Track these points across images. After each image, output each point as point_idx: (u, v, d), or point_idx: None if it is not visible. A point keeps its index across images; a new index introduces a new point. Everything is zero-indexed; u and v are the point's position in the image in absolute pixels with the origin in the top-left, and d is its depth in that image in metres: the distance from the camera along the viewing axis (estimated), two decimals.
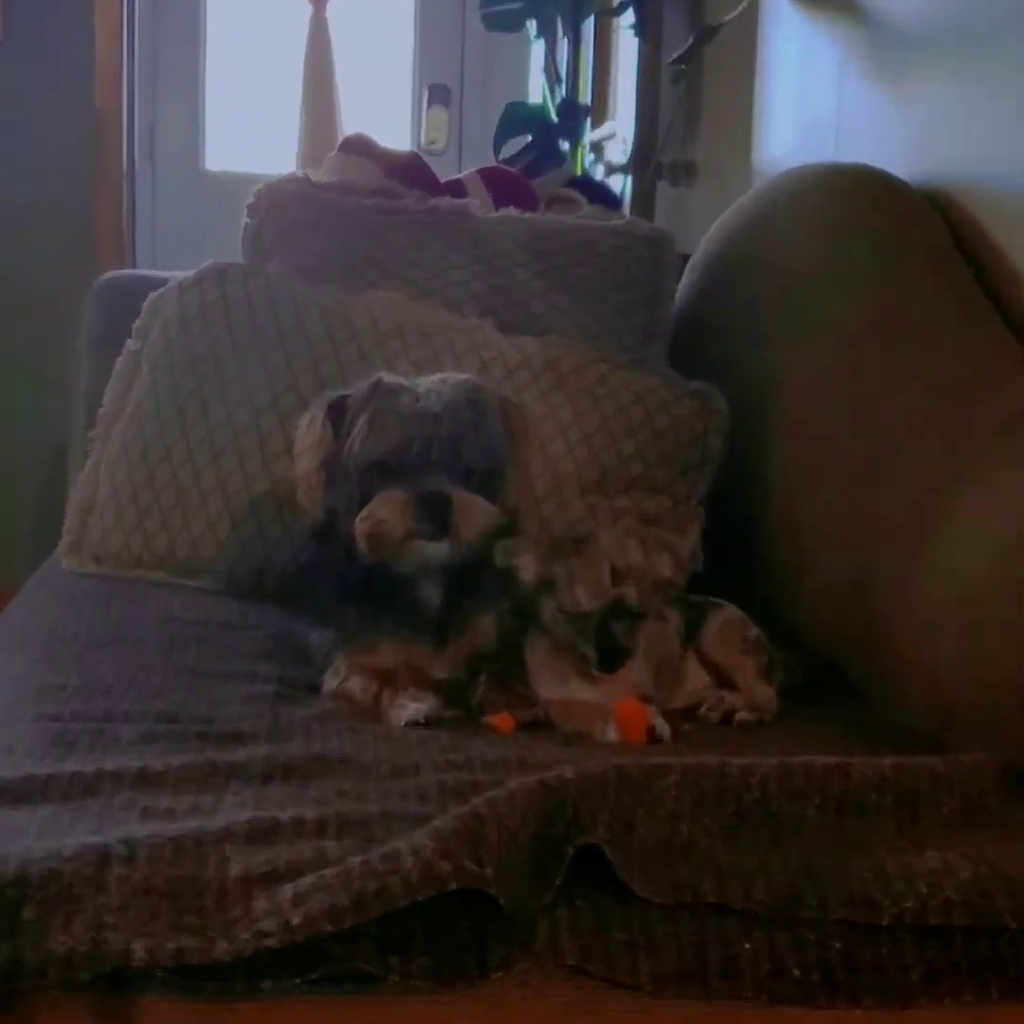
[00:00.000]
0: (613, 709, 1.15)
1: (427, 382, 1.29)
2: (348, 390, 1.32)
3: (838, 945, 0.80)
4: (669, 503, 1.68)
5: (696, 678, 1.29)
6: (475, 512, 1.22)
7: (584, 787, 0.86)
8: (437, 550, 1.23)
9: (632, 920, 0.81)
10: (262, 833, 0.84)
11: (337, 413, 1.29)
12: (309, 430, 1.31)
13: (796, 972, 0.78)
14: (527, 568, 1.23)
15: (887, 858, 0.84)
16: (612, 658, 1.18)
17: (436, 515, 1.21)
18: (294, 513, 1.46)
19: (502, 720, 1.18)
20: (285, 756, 1.02)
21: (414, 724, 1.16)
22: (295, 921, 0.74)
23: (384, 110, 4.24)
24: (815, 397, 1.60)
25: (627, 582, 1.19)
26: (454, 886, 0.77)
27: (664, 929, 0.80)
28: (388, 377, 1.30)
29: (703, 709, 1.26)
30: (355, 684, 1.23)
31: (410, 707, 1.18)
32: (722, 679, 1.28)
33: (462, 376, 1.32)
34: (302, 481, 1.31)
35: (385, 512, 1.22)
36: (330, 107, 3.79)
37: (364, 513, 1.22)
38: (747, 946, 0.80)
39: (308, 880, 0.77)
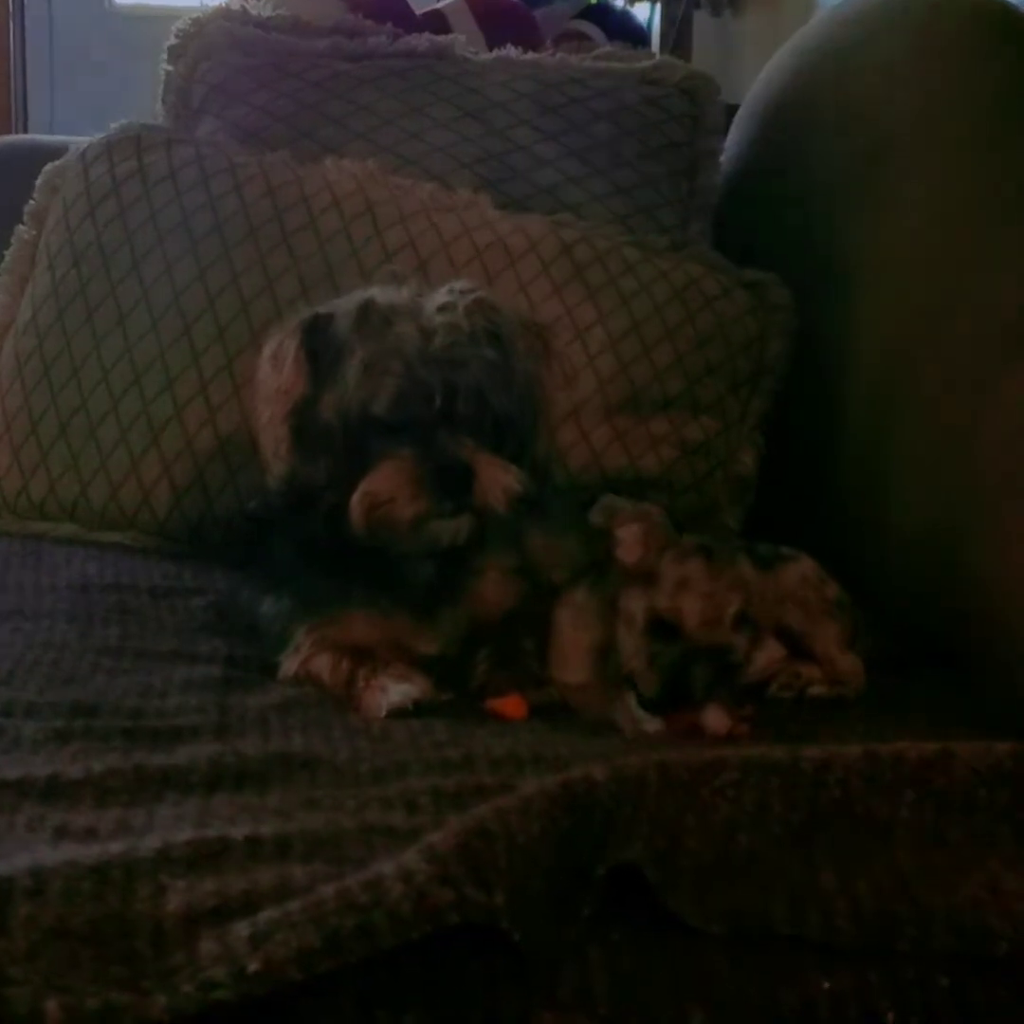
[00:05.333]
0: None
1: (431, 302, 1.24)
2: (326, 308, 1.27)
3: (944, 983, 0.80)
4: (718, 426, 1.68)
5: (768, 649, 1.28)
6: (503, 481, 1.20)
7: (618, 790, 0.86)
8: (454, 530, 1.20)
9: (680, 957, 0.81)
10: (208, 856, 0.83)
11: (314, 342, 1.23)
12: (276, 366, 1.25)
13: (892, 1017, 0.78)
14: (631, 543, 1.19)
15: (1003, 872, 0.84)
16: (670, 699, 1.14)
17: (455, 489, 1.18)
18: (247, 457, 1.46)
19: (511, 704, 1.18)
20: (236, 757, 1.02)
21: (399, 712, 1.15)
22: (252, 968, 0.73)
23: None
24: (907, 292, 1.59)
25: (747, 634, 1.16)
26: (455, 920, 0.76)
27: (722, 967, 0.80)
28: (381, 295, 1.25)
29: (774, 686, 1.26)
30: (322, 664, 1.23)
31: (393, 690, 1.17)
32: (798, 648, 1.28)
33: (470, 289, 1.28)
34: (266, 435, 1.26)
35: (390, 487, 1.18)
36: None
37: (363, 488, 1.19)
38: (827, 986, 0.80)
39: (268, 915, 0.77)
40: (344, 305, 1.26)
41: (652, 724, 1.14)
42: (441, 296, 1.26)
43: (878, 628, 1.32)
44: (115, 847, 0.84)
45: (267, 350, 1.28)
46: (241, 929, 0.76)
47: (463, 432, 1.19)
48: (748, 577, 1.17)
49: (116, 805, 0.93)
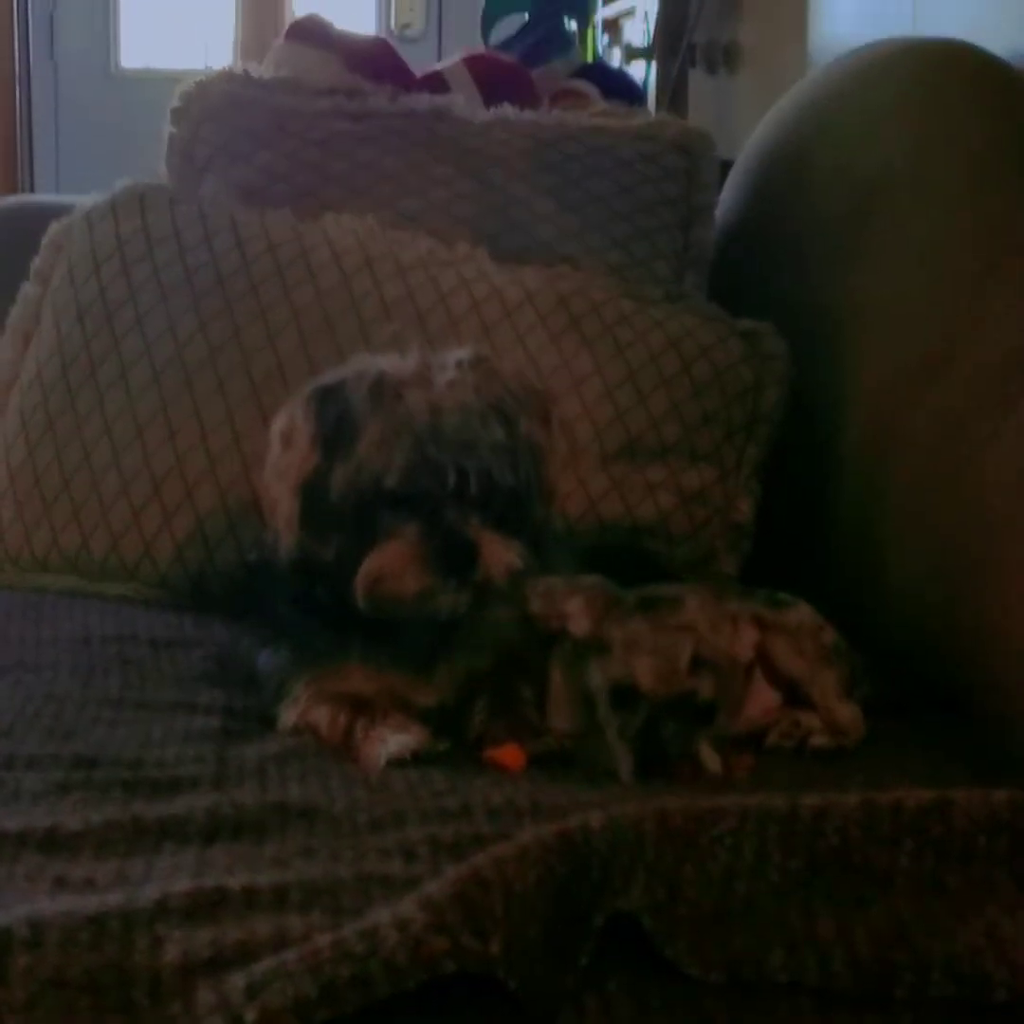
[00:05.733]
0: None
1: (440, 374, 1.25)
2: (332, 378, 1.27)
3: None
4: (715, 474, 1.68)
5: (763, 697, 1.28)
6: (505, 558, 1.21)
7: (615, 839, 0.86)
8: (455, 603, 1.21)
9: (679, 1006, 0.80)
10: (205, 906, 0.83)
11: (325, 416, 1.23)
12: (287, 441, 1.25)
13: None
14: (578, 616, 1.19)
15: (1001, 919, 0.83)
16: (652, 760, 1.12)
17: (459, 566, 1.19)
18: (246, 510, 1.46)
19: (509, 754, 1.17)
20: (234, 807, 1.02)
21: (398, 762, 1.15)
22: (249, 1018, 0.73)
23: None
24: (900, 341, 1.59)
25: (708, 673, 1.14)
26: (451, 968, 0.76)
27: (720, 1016, 0.79)
28: (390, 366, 1.25)
29: (773, 736, 1.25)
30: (320, 715, 1.22)
31: (392, 741, 1.17)
32: (795, 696, 1.27)
33: (478, 359, 1.28)
34: (278, 510, 1.26)
35: (395, 564, 1.19)
36: None
37: (368, 565, 1.19)
38: None
39: (265, 965, 0.76)
40: (352, 377, 1.26)
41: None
42: (450, 368, 1.26)
43: (877, 674, 1.31)
44: (113, 898, 0.84)
45: (277, 425, 1.27)
46: (237, 979, 0.76)
47: (470, 510, 1.20)
48: (693, 616, 1.16)
49: (114, 856, 0.93)
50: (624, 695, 1.15)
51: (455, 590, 1.20)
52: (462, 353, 1.29)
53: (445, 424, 1.21)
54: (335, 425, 1.23)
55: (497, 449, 1.22)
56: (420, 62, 2.26)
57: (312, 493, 1.23)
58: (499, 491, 1.22)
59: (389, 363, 1.27)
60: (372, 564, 1.20)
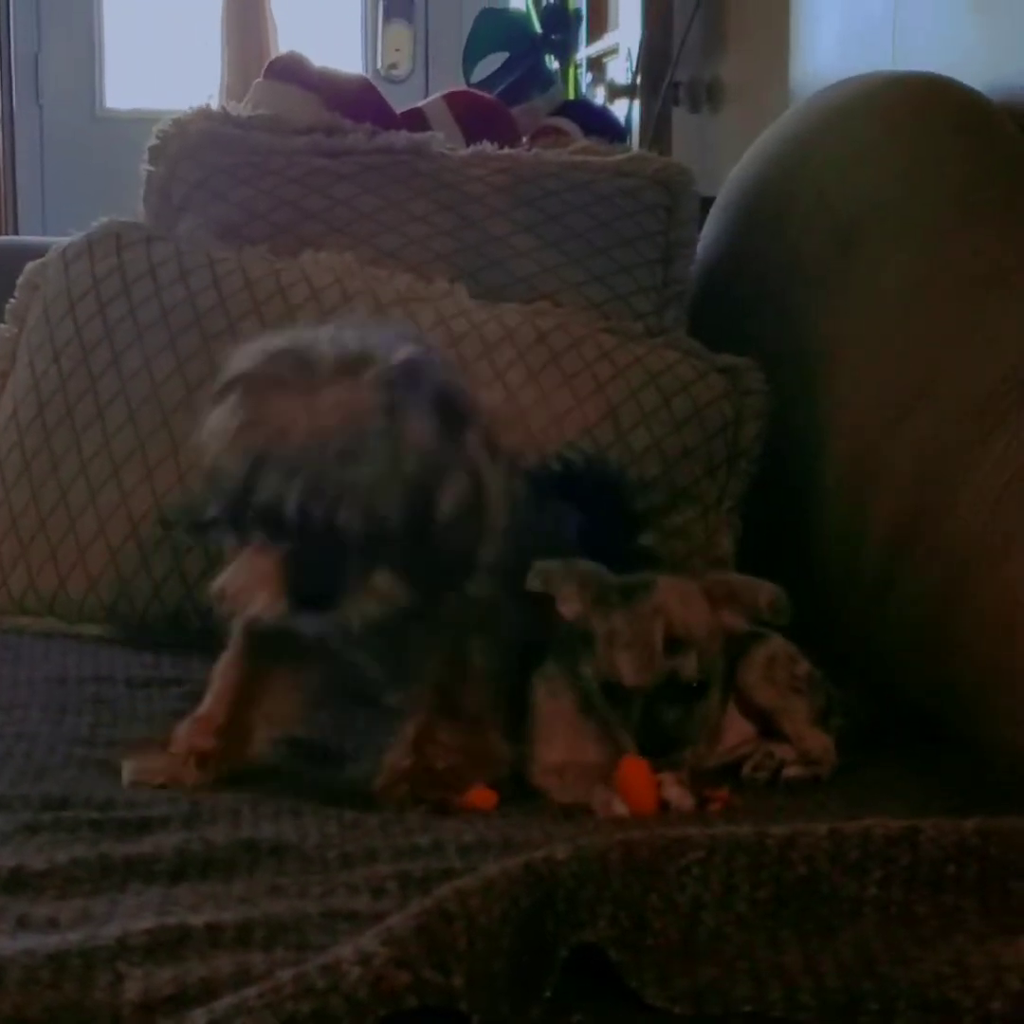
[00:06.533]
0: (617, 772, 1.15)
1: (335, 366, 1.12)
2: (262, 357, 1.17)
3: None
4: (696, 510, 1.69)
5: (737, 728, 1.29)
6: (371, 592, 1.12)
7: (581, 870, 0.86)
8: (314, 626, 1.15)
9: None
10: (167, 944, 0.83)
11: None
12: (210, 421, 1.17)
13: None
14: (570, 600, 1.19)
15: (969, 947, 0.83)
16: (658, 747, 1.15)
17: (317, 597, 1.11)
18: None
19: (480, 796, 1.18)
20: (203, 845, 1.02)
21: None
22: None
23: (330, 28, 4.27)
24: (880, 375, 1.61)
25: (687, 650, 1.15)
26: (414, 1003, 0.76)
27: None
28: (274, 348, 1.15)
29: (747, 768, 1.25)
30: None
31: None
32: (768, 727, 1.28)
33: (405, 355, 1.15)
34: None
35: (248, 583, 1.12)
36: (260, 25, 3.82)
37: (221, 580, 1.14)
38: None
39: (226, 1002, 0.76)
40: (243, 356, 1.17)
41: (621, 808, 1.14)
42: (351, 342, 1.14)
43: (854, 706, 1.32)
44: (74, 936, 0.84)
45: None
46: (198, 1017, 0.76)
47: (347, 539, 1.10)
48: (662, 598, 1.16)
49: (79, 895, 0.93)
50: (614, 690, 1.16)
51: (308, 612, 1.13)
52: (376, 334, 1.18)
53: (329, 444, 1.09)
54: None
55: (388, 480, 1.10)
56: (407, 103, 2.29)
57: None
58: (385, 526, 1.11)
59: (280, 338, 1.17)
60: (226, 578, 1.14)
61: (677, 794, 1.14)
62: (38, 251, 1.86)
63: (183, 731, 1.23)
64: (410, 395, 1.13)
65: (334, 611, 1.12)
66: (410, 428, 1.12)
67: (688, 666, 1.15)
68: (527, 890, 0.84)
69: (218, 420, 1.15)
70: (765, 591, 1.23)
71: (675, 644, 1.15)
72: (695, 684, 1.16)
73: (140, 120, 3.82)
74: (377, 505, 1.10)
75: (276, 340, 1.18)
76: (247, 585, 1.12)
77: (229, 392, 1.16)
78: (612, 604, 1.18)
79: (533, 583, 1.20)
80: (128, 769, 1.19)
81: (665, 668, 1.15)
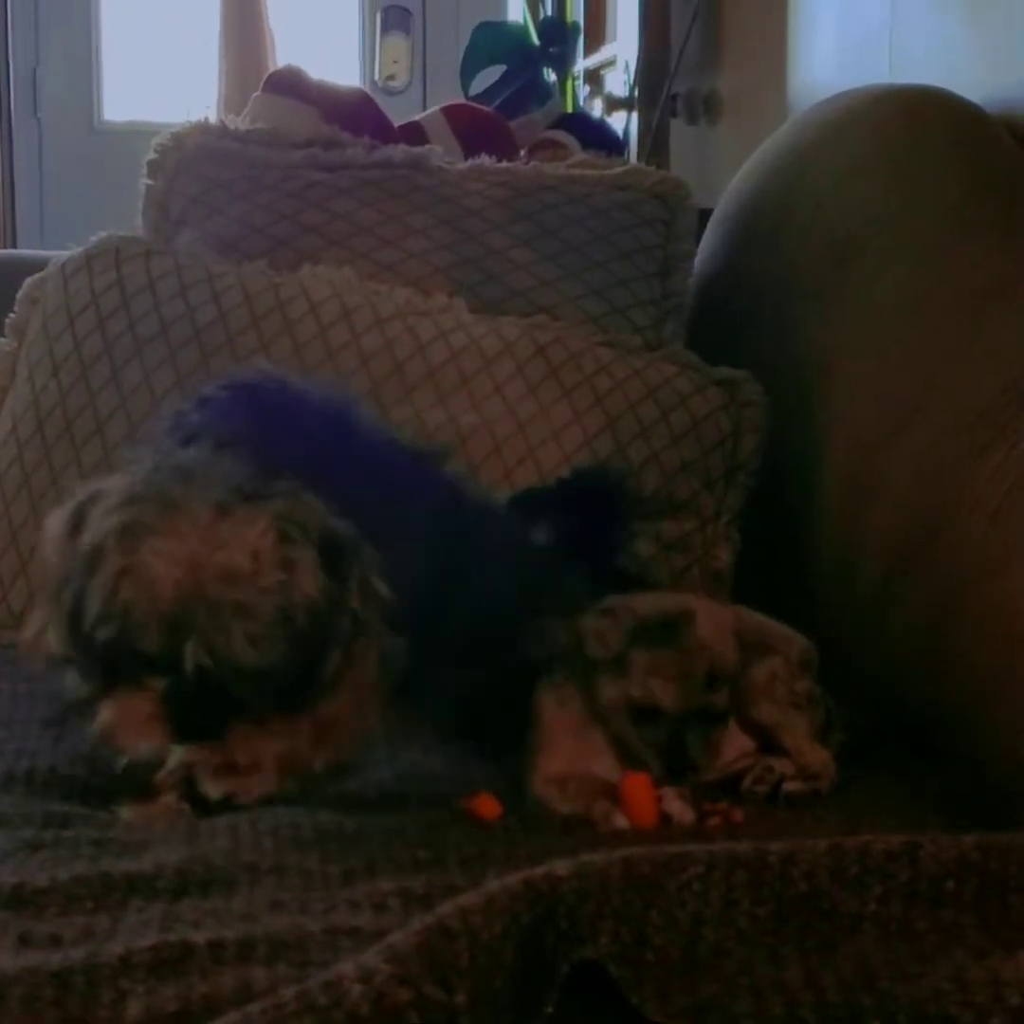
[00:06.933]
0: (620, 785, 1.16)
1: (213, 509, 1.07)
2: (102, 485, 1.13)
3: None
4: (694, 523, 1.69)
5: (737, 743, 1.29)
6: (256, 746, 1.12)
7: (581, 886, 0.86)
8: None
9: None
10: (170, 961, 0.83)
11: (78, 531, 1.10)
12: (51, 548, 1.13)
13: None
14: (606, 640, 1.21)
15: (969, 962, 0.83)
16: (679, 770, 1.19)
17: (200, 731, 1.09)
18: None
19: (484, 803, 1.18)
20: (204, 863, 1.02)
21: None
22: None
23: (328, 40, 4.28)
24: (878, 385, 1.61)
25: (722, 685, 1.20)
26: (416, 1020, 0.76)
27: None
28: (149, 508, 1.08)
29: (747, 782, 1.26)
30: None
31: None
32: (768, 742, 1.29)
33: (283, 506, 1.09)
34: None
35: (130, 720, 1.10)
36: (258, 38, 3.83)
37: (102, 716, 1.11)
38: None
39: (228, 1019, 0.76)
40: (98, 511, 1.10)
41: (621, 820, 1.15)
42: (231, 520, 1.08)
43: (854, 722, 1.32)
44: (77, 953, 0.84)
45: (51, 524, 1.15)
46: None
47: (224, 685, 1.07)
48: (705, 634, 1.20)
49: (81, 912, 0.93)
50: (643, 712, 1.20)
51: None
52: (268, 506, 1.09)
53: (202, 591, 1.05)
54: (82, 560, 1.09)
55: (267, 630, 1.06)
56: (404, 114, 2.30)
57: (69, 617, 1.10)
58: (260, 675, 1.08)
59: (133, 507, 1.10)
60: (107, 714, 1.11)
61: (679, 808, 1.15)
62: (37, 265, 1.87)
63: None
64: (296, 544, 1.09)
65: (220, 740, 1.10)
66: (298, 582, 1.08)
67: (721, 700, 1.21)
68: (528, 906, 0.84)
69: (80, 563, 1.09)
70: (798, 645, 1.27)
71: (713, 679, 1.20)
72: (720, 713, 1.21)
73: (138, 132, 3.83)
74: (260, 664, 1.07)
75: (133, 482, 1.12)
76: (129, 721, 1.10)
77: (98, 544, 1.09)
78: (652, 639, 1.20)
79: (592, 649, 1.21)
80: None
81: (703, 701, 1.19)
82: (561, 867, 0.87)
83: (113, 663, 1.09)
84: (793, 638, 1.27)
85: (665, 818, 1.15)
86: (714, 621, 1.22)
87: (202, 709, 1.08)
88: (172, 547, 1.05)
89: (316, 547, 1.09)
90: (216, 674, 1.06)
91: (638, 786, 1.16)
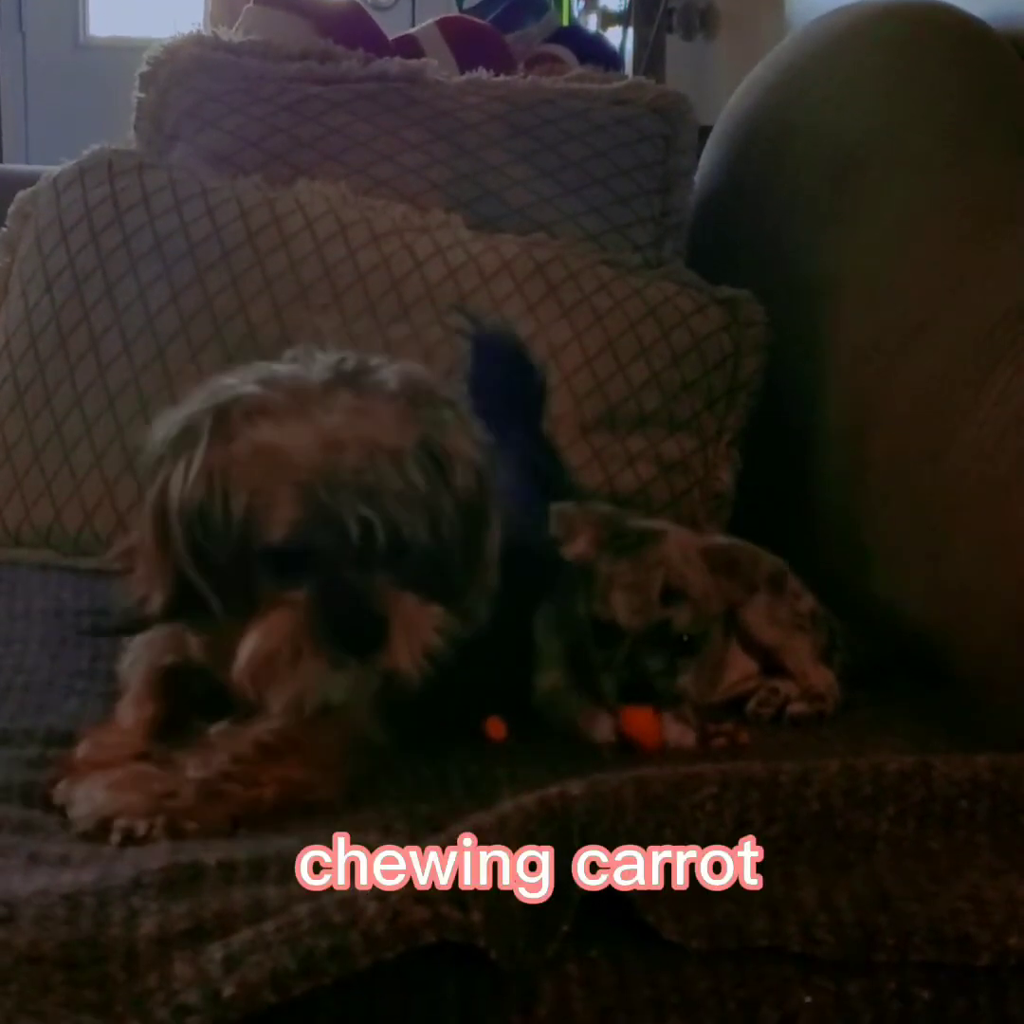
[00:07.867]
0: (622, 710, 1.15)
1: (340, 400, 1.00)
2: (238, 386, 1.04)
3: (926, 995, 0.79)
4: (695, 443, 1.68)
5: (740, 665, 1.28)
6: (422, 630, 1.00)
7: (594, 807, 0.85)
8: (355, 689, 1.01)
9: (661, 973, 0.79)
10: (182, 881, 0.82)
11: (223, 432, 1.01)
12: (174, 469, 1.03)
13: None
14: (580, 543, 1.17)
15: (983, 882, 0.83)
16: (635, 693, 1.14)
17: (360, 641, 0.98)
18: None
19: (491, 725, 1.17)
20: None
21: None
22: (227, 992, 0.72)
23: None
24: (880, 307, 1.59)
25: (681, 602, 1.15)
26: (432, 939, 0.75)
27: (702, 983, 0.79)
28: (267, 388, 1.01)
29: (751, 704, 1.25)
30: None
31: None
32: (771, 664, 1.28)
33: (402, 372, 1.04)
34: (142, 552, 1.04)
35: (281, 643, 0.98)
36: None
37: (249, 648, 0.98)
38: (808, 1000, 0.78)
39: (242, 937, 0.76)
40: (238, 389, 1.03)
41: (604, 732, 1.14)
42: (365, 389, 1.01)
43: (858, 642, 1.32)
44: (87, 875, 0.83)
45: (162, 431, 1.07)
46: (214, 951, 0.75)
47: (375, 571, 0.98)
48: (667, 551, 1.16)
49: None
50: (606, 632, 1.15)
51: (357, 669, 0.99)
52: (384, 368, 1.05)
53: (341, 463, 0.98)
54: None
55: (410, 499, 1.00)
56: (394, 30, 2.25)
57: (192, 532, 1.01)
58: (411, 551, 1.00)
59: (272, 372, 1.04)
60: (254, 644, 0.98)
61: (677, 731, 1.14)
62: (26, 179, 1.83)
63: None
64: (431, 428, 1.03)
65: (377, 659, 0.99)
66: (450, 443, 1.03)
67: (681, 617, 1.15)
68: (541, 826, 0.83)
69: (191, 466, 1.00)
70: (765, 564, 1.23)
71: (671, 595, 1.15)
72: (685, 638, 1.15)
73: (123, 48, 3.76)
74: (407, 535, 1.00)
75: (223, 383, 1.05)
76: (280, 645, 0.98)
77: (190, 438, 1.02)
78: (619, 549, 1.17)
79: (557, 530, 1.18)
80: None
81: (658, 616, 1.14)
82: (574, 787, 0.86)
83: (249, 585, 0.99)
84: (760, 558, 1.22)
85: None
86: (681, 542, 1.18)
87: (355, 614, 0.98)
88: (301, 430, 0.98)
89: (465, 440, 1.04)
90: (370, 559, 0.97)
91: (640, 709, 1.15)
